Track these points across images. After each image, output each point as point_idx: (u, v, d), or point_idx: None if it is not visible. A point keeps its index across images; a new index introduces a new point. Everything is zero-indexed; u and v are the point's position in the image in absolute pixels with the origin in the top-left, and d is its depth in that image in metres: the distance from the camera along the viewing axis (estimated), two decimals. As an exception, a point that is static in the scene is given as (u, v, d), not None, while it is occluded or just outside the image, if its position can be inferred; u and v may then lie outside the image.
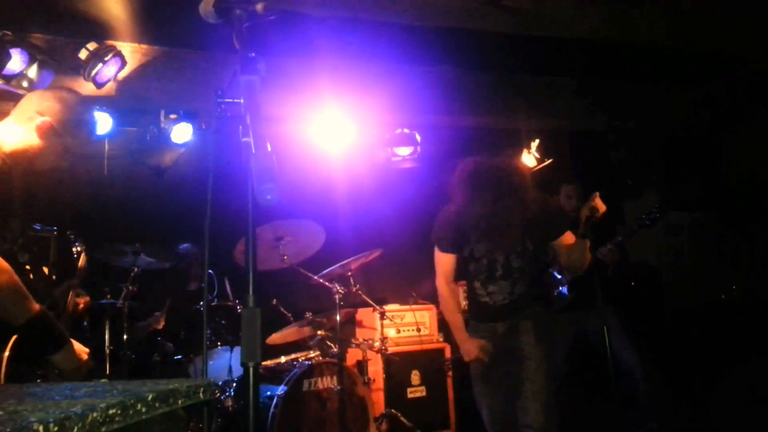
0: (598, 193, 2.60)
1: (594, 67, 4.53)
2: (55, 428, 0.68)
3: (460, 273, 2.96)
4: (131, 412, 0.80)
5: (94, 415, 0.74)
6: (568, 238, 2.81)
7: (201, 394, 0.97)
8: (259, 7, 1.61)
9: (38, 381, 1.88)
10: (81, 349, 2.01)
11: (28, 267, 1.95)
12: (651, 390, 3.57)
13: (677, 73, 4.68)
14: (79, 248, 2.91)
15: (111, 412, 0.76)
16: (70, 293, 2.42)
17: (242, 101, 1.43)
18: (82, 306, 2.45)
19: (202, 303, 3.91)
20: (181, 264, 4.33)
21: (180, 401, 0.92)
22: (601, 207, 2.60)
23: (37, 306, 1.82)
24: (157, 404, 0.86)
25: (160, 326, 4.02)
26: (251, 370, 1.36)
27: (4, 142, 1.97)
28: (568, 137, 5.36)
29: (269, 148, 1.21)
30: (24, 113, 2.02)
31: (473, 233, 2.79)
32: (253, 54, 1.51)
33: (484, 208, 2.68)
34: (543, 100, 4.78)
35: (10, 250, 1.88)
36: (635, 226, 3.47)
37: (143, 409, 0.83)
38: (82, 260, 2.88)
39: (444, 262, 2.90)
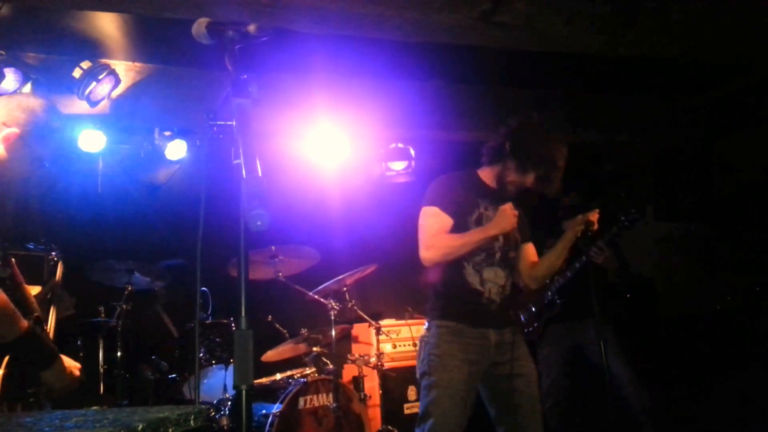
0: (597, 211, 2.61)
1: (586, 81, 4.56)
2: (43, 463, 0.68)
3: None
4: (120, 443, 0.80)
5: (82, 448, 0.73)
6: (531, 248, 2.71)
7: (192, 422, 0.96)
8: (252, 28, 1.62)
9: (30, 400, 1.85)
10: (71, 365, 1.97)
11: (9, 282, 1.89)
12: (643, 406, 3.56)
13: (669, 86, 4.72)
14: (55, 257, 2.74)
15: (99, 444, 0.76)
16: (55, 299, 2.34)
17: (234, 123, 1.43)
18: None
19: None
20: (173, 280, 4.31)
21: (171, 430, 0.91)
22: (595, 224, 2.61)
23: (25, 323, 1.78)
24: (147, 434, 0.85)
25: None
26: (244, 393, 1.36)
27: None
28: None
29: (260, 173, 1.21)
30: None
31: (484, 201, 2.50)
32: (245, 76, 1.51)
33: (527, 179, 2.48)
34: (536, 113, 4.79)
35: None
36: (615, 229, 3.48)
37: (133, 440, 0.82)
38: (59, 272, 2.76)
39: (441, 221, 2.44)
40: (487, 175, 2.64)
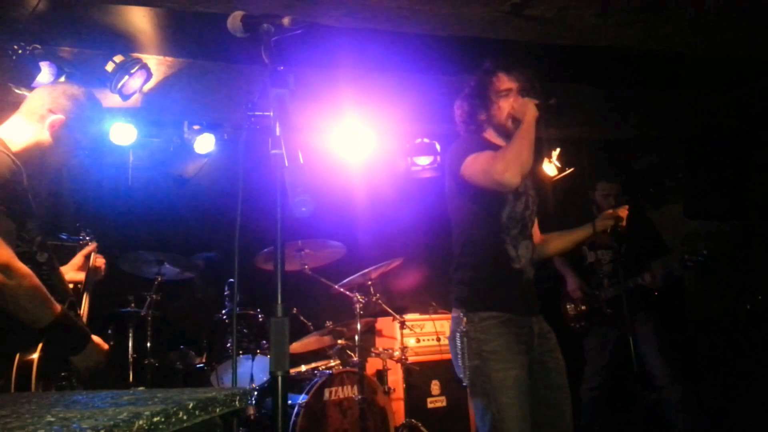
0: (627, 207, 2.58)
1: (617, 75, 4.50)
2: (104, 435, 0.70)
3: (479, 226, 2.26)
4: (174, 419, 0.82)
5: (140, 422, 0.75)
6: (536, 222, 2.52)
7: (237, 403, 0.99)
8: (286, 21, 1.64)
9: (63, 383, 1.90)
10: (100, 344, 2.03)
11: (46, 267, 1.95)
12: (676, 400, 3.59)
13: (702, 81, 4.63)
14: (89, 242, 2.75)
15: (155, 419, 0.78)
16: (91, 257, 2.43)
17: (272, 114, 1.45)
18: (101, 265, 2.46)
19: (223, 312, 3.95)
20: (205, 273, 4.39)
21: (218, 409, 0.94)
22: (624, 220, 2.57)
23: (58, 307, 1.83)
24: (197, 412, 0.87)
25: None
26: (280, 379, 1.38)
27: (12, 141, 1.96)
28: (590, 146, 5.33)
29: (302, 161, 1.23)
30: (35, 111, 2.02)
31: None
32: (282, 67, 1.53)
33: (506, 104, 2.38)
34: (565, 108, 4.75)
35: (29, 251, 1.89)
36: (677, 265, 3.59)
37: (184, 417, 0.85)
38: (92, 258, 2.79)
39: (487, 152, 2.24)
40: (490, 136, 2.45)
